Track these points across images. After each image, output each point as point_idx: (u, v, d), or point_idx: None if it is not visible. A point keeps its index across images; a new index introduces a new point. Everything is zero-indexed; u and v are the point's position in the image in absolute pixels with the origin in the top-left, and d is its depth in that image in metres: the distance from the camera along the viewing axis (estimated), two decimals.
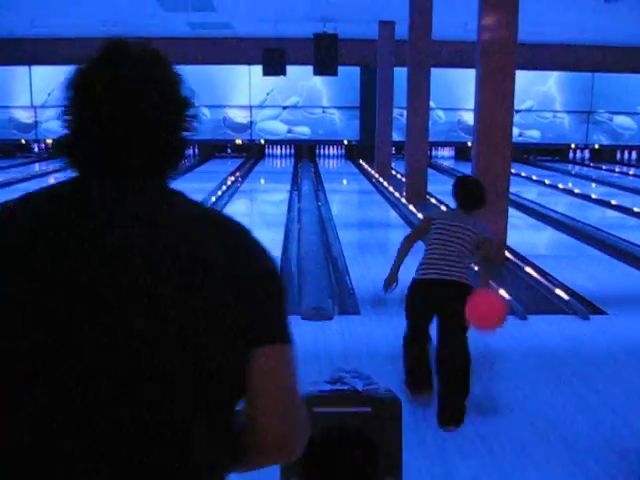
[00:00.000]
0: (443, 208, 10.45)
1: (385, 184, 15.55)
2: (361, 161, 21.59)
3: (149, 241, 1.09)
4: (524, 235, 9.94)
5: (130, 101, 1.12)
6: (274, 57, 18.76)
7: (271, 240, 9.30)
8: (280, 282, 1.23)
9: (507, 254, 8.19)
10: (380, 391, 2.58)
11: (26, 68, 22.66)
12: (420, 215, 11.10)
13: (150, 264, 1.07)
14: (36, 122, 23.20)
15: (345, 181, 18.17)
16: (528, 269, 7.63)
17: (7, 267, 1.05)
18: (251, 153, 22.85)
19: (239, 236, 1.20)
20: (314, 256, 8.26)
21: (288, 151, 23.46)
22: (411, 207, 11.98)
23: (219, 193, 13.69)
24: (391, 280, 4.48)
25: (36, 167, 20.60)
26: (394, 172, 17.90)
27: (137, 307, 1.05)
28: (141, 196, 1.13)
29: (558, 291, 6.77)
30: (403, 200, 12.97)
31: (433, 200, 13.03)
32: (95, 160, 1.14)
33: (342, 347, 5.23)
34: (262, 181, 17.83)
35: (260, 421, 1.16)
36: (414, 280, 4.30)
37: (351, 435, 2.49)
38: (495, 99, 7.92)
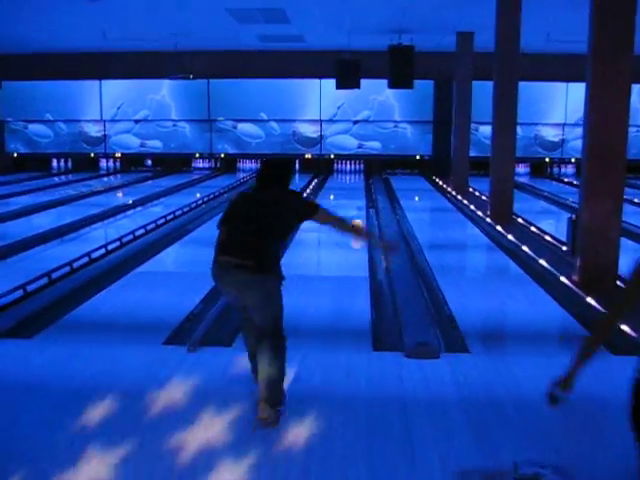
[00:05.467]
0: None
1: (465, 202, 14.81)
2: (434, 177, 20.91)
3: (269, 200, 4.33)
4: (630, 259, 9.09)
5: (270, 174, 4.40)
6: (349, 70, 18.20)
7: (355, 260, 8.68)
8: (302, 199, 4.52)
9: (618, 283, 7.43)
10: None
11: (96, 82, 22.65)
12: (510, 237, 10.37)
13: (266, 205, 4.30)
14: (105, 136, 23.16)
15: (417, 197, 17.50)
16: None
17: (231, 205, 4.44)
18: (320, 169, 22.33)
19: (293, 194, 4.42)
20: (406, 280, 7.60)
21: (357, 166, 22.90)
22: (498, 227, 11.23)
23: None
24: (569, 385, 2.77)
25: (105, 180, 20.50)
26: (471, 189, 17.15)
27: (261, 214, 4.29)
28: (271, 192, 4.33)
29: None
30: (488, 220, 12.21)
31: (520, 220, 12.23)
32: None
33: (457, 393, 4.56)
34: (331, 197, 17.25)
35: (329, 225, 4.48)
36: None
37: None
38: (608, 112, 7.20)
